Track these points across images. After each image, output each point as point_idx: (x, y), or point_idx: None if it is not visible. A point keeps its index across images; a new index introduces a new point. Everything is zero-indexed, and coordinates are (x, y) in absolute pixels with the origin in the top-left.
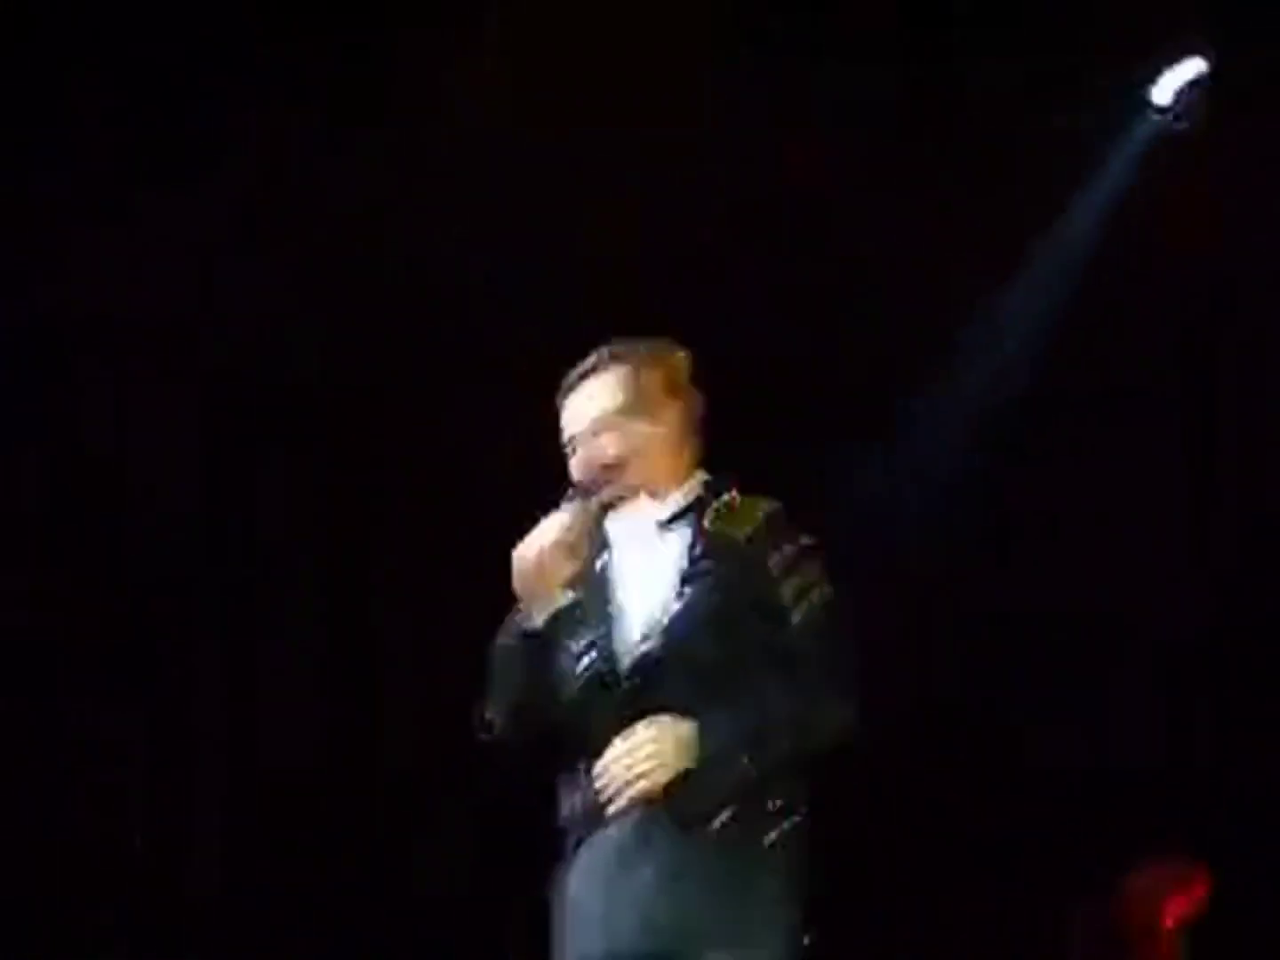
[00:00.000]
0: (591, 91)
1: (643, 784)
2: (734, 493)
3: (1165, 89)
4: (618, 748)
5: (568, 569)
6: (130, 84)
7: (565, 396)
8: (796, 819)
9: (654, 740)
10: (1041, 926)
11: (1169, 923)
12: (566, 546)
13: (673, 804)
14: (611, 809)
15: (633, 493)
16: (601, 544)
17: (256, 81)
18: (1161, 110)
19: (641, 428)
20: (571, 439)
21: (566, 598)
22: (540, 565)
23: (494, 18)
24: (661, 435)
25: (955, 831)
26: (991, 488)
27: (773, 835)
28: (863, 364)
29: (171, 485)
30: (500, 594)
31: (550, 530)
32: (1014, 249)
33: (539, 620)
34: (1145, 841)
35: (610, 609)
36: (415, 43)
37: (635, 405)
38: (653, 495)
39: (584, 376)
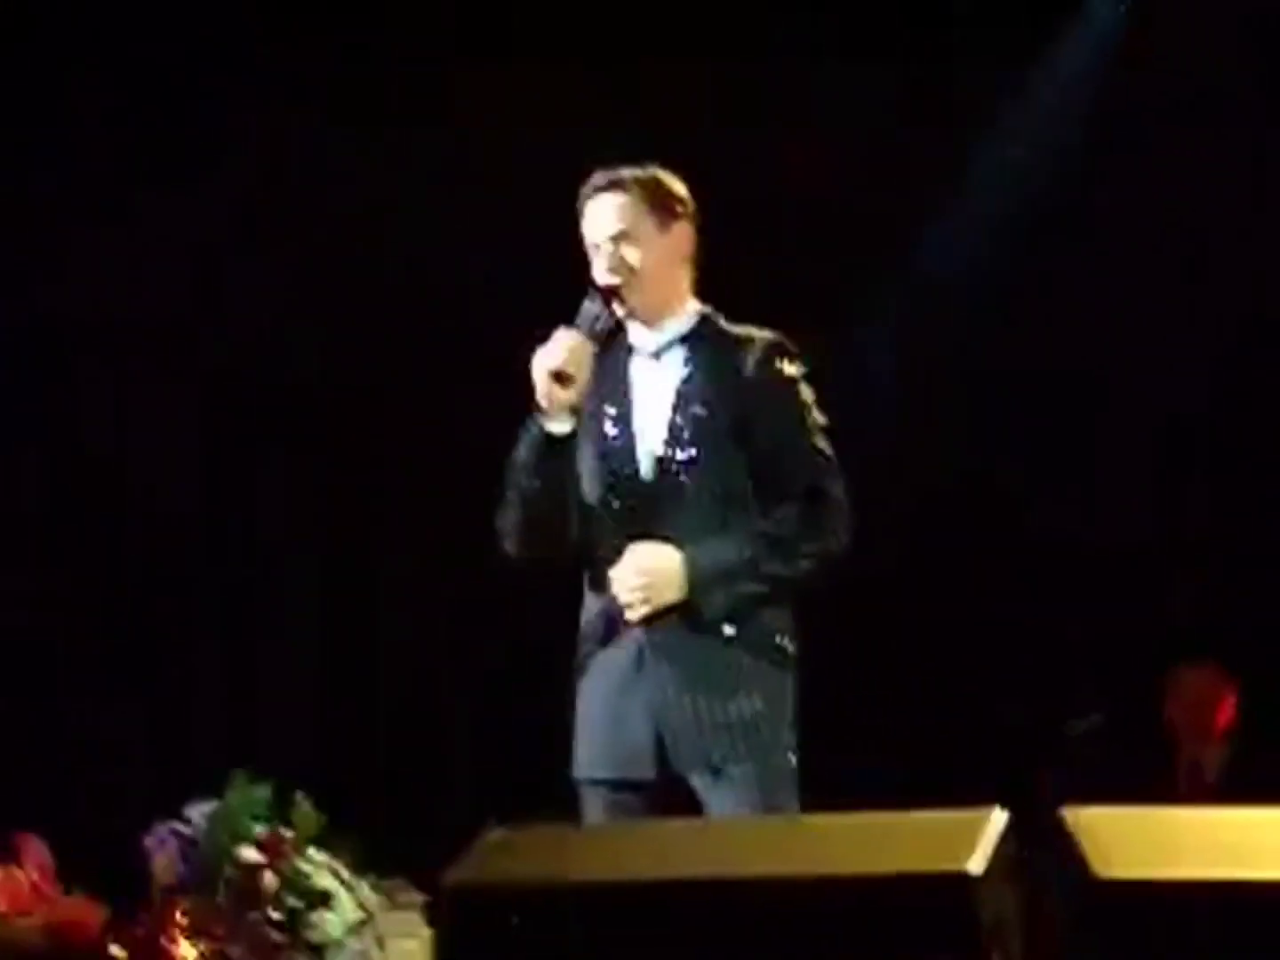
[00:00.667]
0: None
1: (640, 609)
2: (728, 323)
3: None
4: (614, 571)
5: (579, 384)
6: (130, 84)
7: (586, 203)
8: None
9: (642, 573)
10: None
11: (1221, 723)
12: (577, 358)
13: (668, 626)
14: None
15: (649, 305)
16: (627, 350)
17: (256, 81)
18: None
19: (658, 240)
20: (595, 245)
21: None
22: (561, 374)
23: (496, 18)
24: (672, 250)
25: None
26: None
27: (770, 647)
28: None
29: (171, 484)
30: (501, 595)
31: (561, 342)
32: None
33: (566, 424)
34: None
35: (632, 414)
36: (416, 42)
37: (654, 218)
38: (655, 318)
39: (606, 187)
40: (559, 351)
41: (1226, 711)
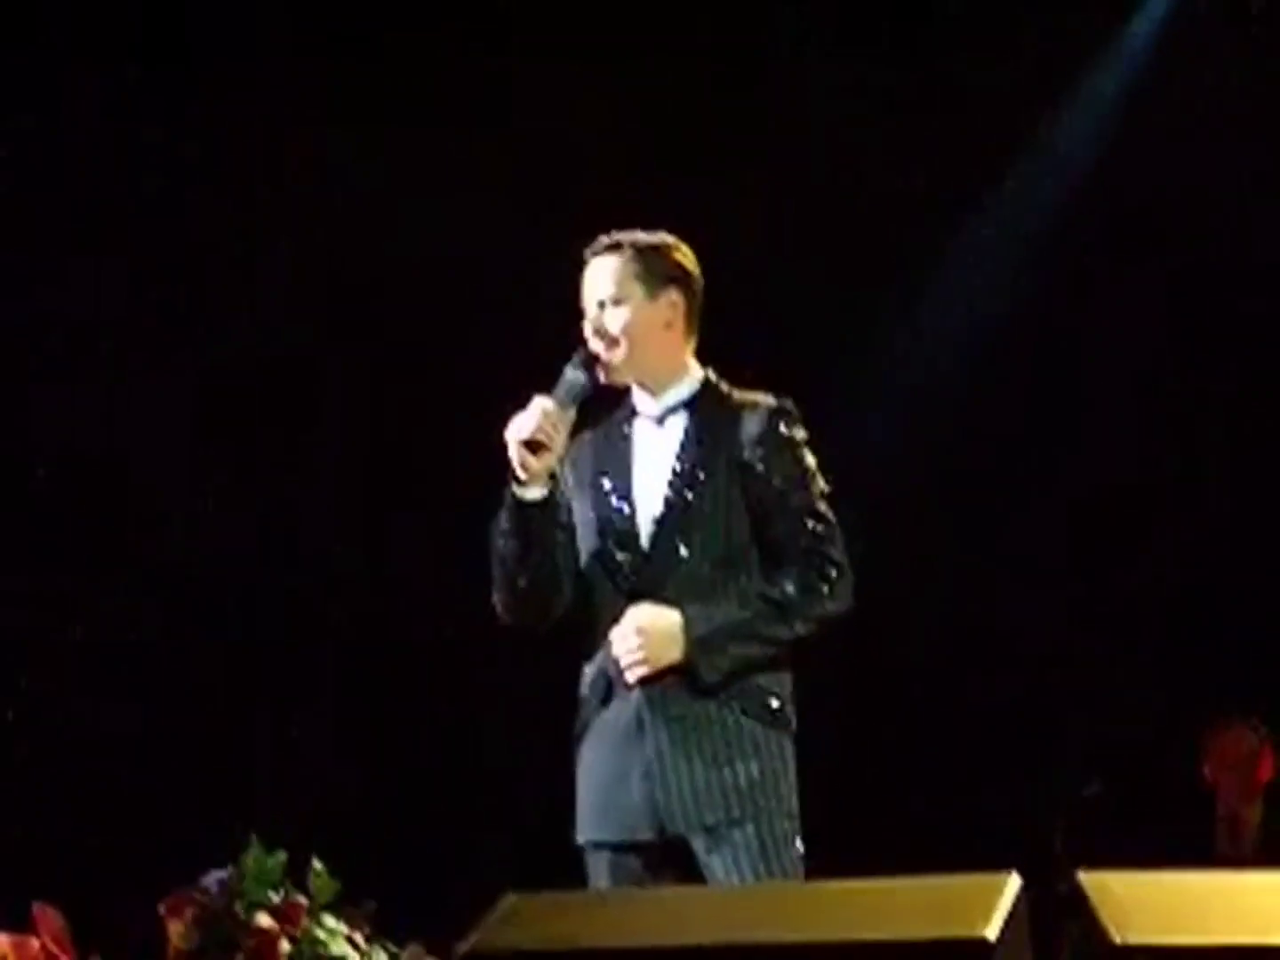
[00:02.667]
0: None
1: (639, 670)
2: (730, 388)
3: None
4: (614, 632)
5: (553, 452)
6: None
7: (586, 265)
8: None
9: (642, 633)
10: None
11: (1263, 778)
12: (551, 426)
13: (667, 687)
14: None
15: (634, 372)
16: (630, 411)
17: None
18: None
19: (645, 307)
20: (586, 305)
21: (559, 469)
22: (533, 443)
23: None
24: (659, 318)
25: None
26: None
27: (769, 710)
28: None
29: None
30: (509, 663)
31: (535, 411)
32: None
33: (539, 491)
34: None
35: (633, 479)
36: (416, 41)
37: (643, 285)
38: (653, 384)
39: (605, 250)
40: (531, 420)
41: (1266, 769)
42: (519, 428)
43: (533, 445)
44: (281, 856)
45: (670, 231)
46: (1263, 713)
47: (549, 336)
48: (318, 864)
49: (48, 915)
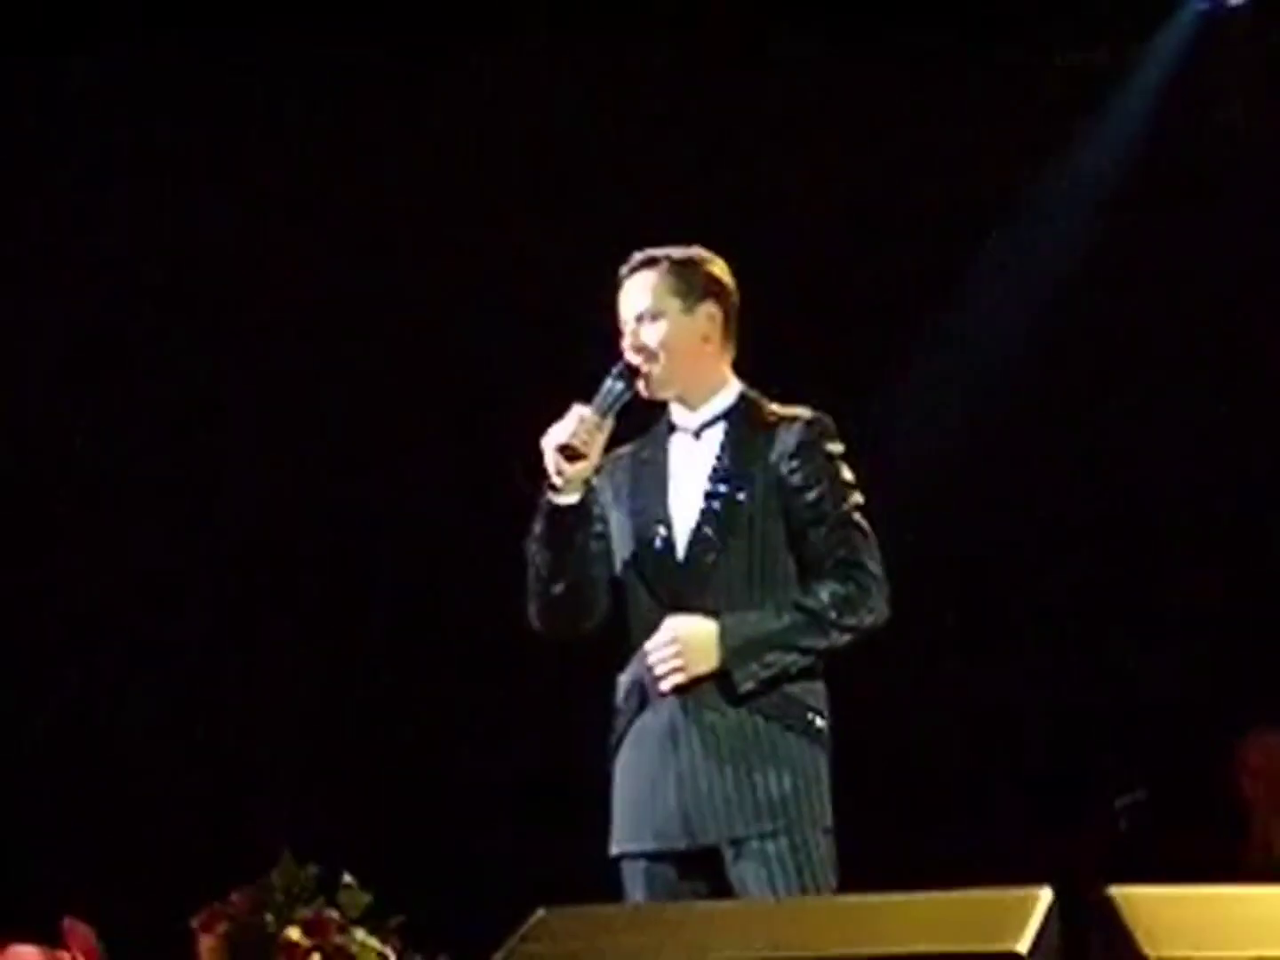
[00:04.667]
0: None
1: (675, 678)
2: (767, 401)
3: None
4: (650, 642)
5: (589, 460)
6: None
7: (623, 280)
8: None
9: (677, 642)
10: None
11: None
12: (587, 433)
13: (702, 696)
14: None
15: (673, 386)
16: (667, 425)
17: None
18: None
19: (682, 321)
20: (624, 321)
21: (596, 480)
22: (569, 449)
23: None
24: (697, 331)
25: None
26: None
27: (803, 721)
28: None
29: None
30: (546, 674)
31: (573, 419)
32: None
33: (574, 497)
34: None
35: (669, 492)
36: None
37: (679, 299)
38: (691, 397)
39: (640, 266)
40: (568, 427)
41: None
42: (556, 434)
43: (569, 452)
44: (313, 870)
45: (704, 246)
46: None
47: (589, 352)
48: (348, 878)
49: (79, 930)
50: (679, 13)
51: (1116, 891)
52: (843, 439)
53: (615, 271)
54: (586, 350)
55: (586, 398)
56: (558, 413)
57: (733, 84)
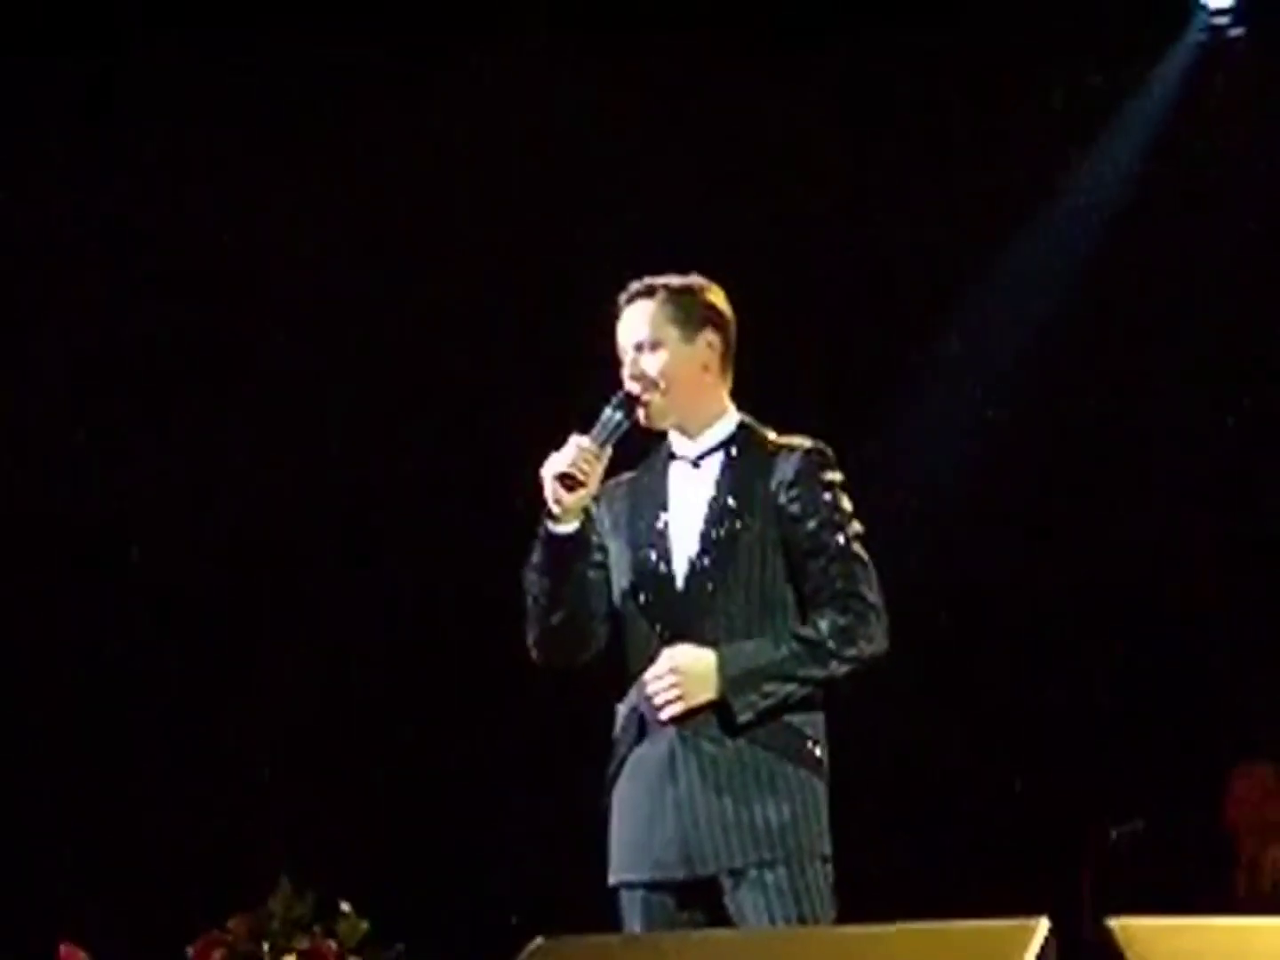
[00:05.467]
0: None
1: (673, 708)
2: (766, 430)
3: None
4: (649, 672)
5: (588, 488)
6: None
7: (621, 311)
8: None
9: (676, 671)
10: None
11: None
12: (586, 462)
13: (700, 726)
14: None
15: (673, 415)
16: (666, 454)
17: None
18: (1215, 12)
19: (682, 349)
20: (623, 350)
21: (594, 509)
22: (567, 477)
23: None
24: (697, 360)
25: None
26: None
27: (802, 751)
28: None
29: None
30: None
31: (571, 447)
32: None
33: (572, 525)
34: None
35: (669, 522)
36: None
37: (679, 328)
38: (690, 426)
39: (639, 295)
40: (567, 456)
41: None
42: (554, 463)
43: (567, 480)
44: (310, 899)
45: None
46: None
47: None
48: (346, 906)
49: (75, 956)
50: (679, 13)
51: (1115, 922)
52: (842, 468)
53: (615, 271)
54: (586, 350)
55: (587, 399)
56: (558, 413)
57: (733, 84)
